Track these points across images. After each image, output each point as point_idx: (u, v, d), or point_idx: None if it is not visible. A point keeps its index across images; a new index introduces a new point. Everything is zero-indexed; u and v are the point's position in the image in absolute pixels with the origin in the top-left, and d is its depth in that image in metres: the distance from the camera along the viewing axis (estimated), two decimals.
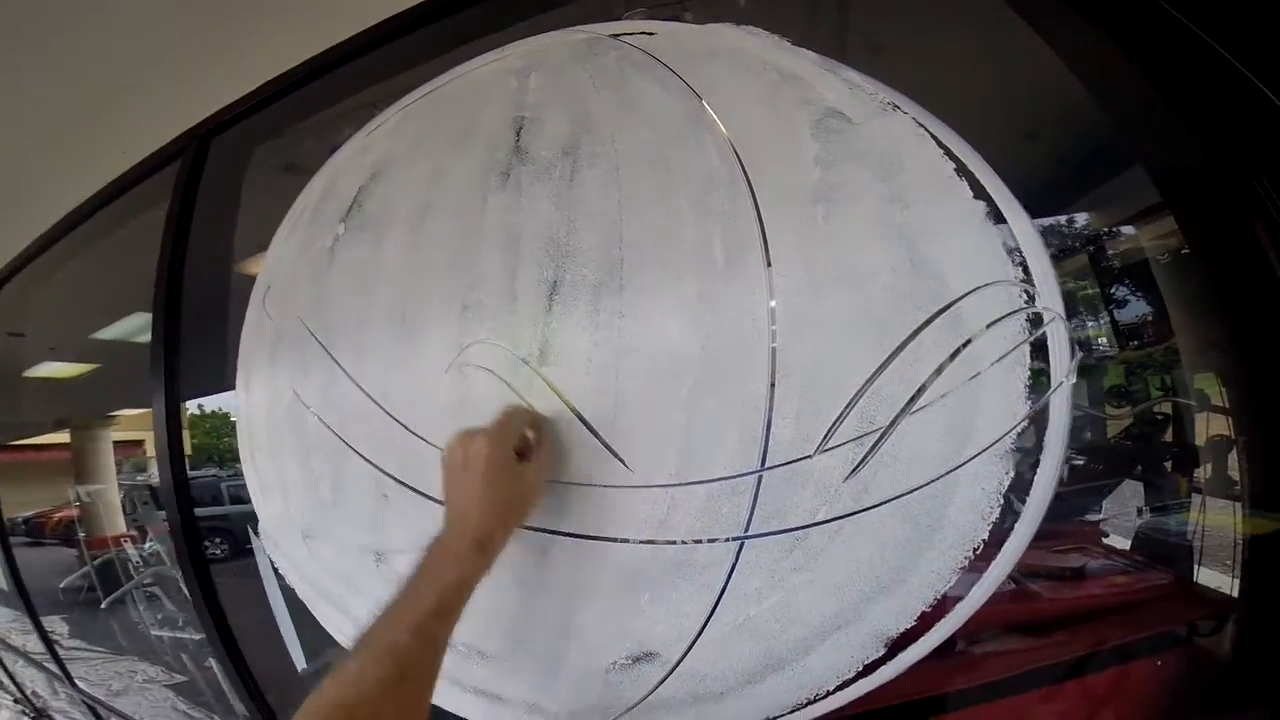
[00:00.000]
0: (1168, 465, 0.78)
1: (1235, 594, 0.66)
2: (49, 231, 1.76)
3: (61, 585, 2.56)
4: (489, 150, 0.80)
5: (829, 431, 0.60)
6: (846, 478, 0.60)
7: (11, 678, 3.24)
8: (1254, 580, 0.66)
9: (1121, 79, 0.67)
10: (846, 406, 0.60)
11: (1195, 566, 0.72)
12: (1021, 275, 0.58)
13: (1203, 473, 0.72)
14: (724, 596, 0.65)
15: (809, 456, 0.61)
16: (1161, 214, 0.66)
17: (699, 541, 0.65)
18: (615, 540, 0.68)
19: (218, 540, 1.30)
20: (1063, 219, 0.74)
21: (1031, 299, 0.57)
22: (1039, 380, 0.58)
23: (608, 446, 0.67)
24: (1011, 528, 0.59)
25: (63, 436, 2.22)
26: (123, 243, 1.35)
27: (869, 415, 0.60)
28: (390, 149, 0.91)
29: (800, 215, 0.64)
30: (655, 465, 0.66)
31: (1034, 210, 0.64)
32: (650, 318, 0.67)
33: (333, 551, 0.92)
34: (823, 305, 0.62)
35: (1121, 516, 0.79)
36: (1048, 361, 0.58)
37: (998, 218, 0.59)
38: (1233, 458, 0.75)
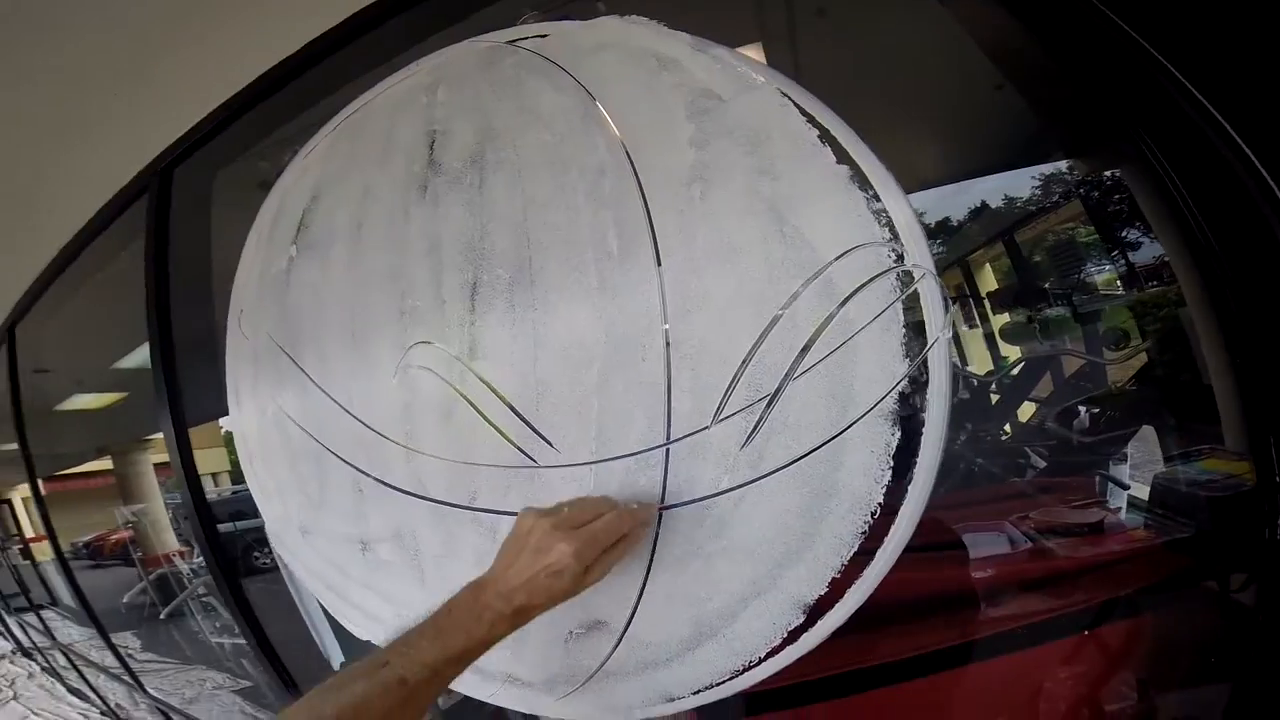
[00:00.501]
0: (1179, 409, 0.77)
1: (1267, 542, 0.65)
2: (43, 273, 1.92)
3: (124, 601, 2.80)
4: (407, 165, 0.88)
5: (721, 402, 0.67)
6: (743, 446, 0.67)
7: (95, 691, 3.55)
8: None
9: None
10: (734, 377, 0.66)
11: (1214, 517, 0.73)
12: (889, 235, 0.62)
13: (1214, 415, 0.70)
14: (653, 565, 0.73)
15: (706, 428, 0.68)
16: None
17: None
18: None
19: (266, 550, 1.42)
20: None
21: (900, 258, 0.61)
22: (913, 338, 0.61)
23: (535, 430, 0.75)
24: (905, 494, 0.64)
25: (106, 463, 2.43)
26: (118, 275, 1.47)
27: (755, 384, 0.66)
28: (325, 170, 1.00)
29: (680, 197, 0.69)
30: (578, 445, 0.74)
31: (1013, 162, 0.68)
32: (558, 309, 0.74)
33: (326, 544, 1.03)
34: (705, 282, 0.68)
35: (1145, 465, 0.80)
36: (920, 319, 0.61)
37: (862, 181, 0.63)
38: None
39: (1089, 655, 0.81)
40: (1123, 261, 0.74)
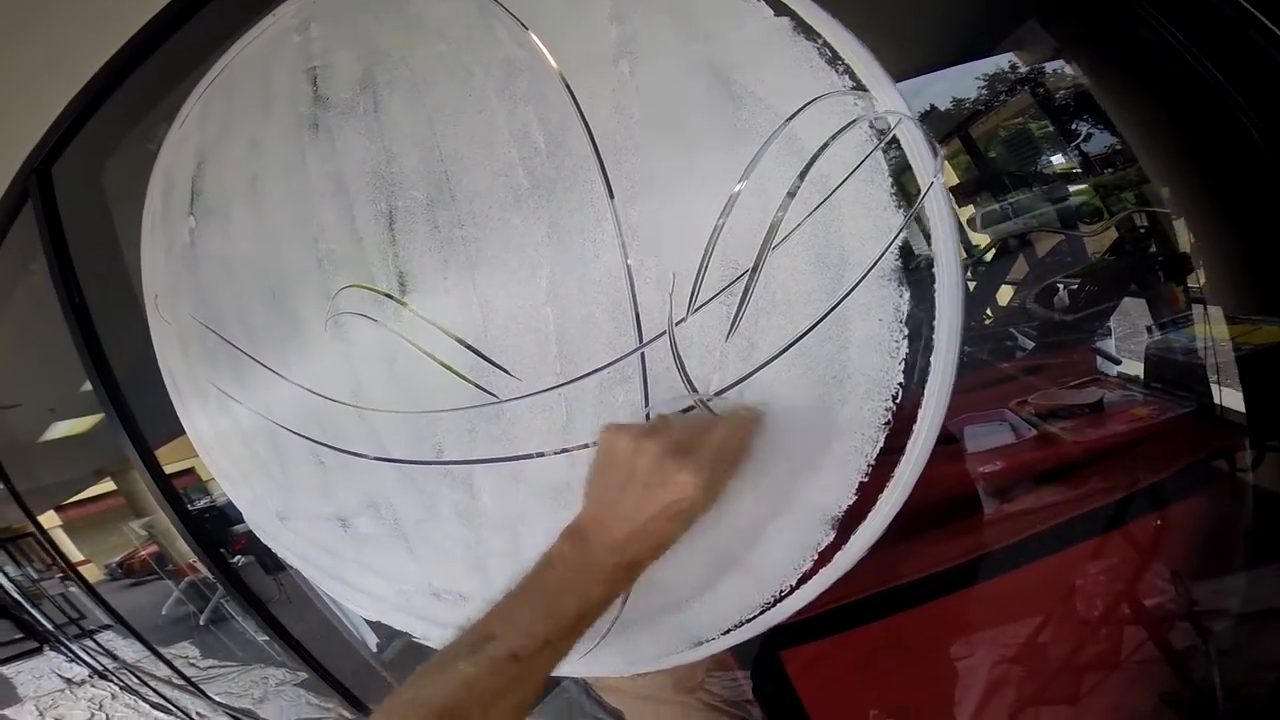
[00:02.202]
0: (1159, 277, 0.75)
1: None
2: None
3: (163, 613, 2.84)
4: (292, 107, 0.76)
5: (694, 287, 0.56)
6: (728, 335, 0.56)
7: (174, 704, 3.68)
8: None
9: None
10: (704, 256, 0.55)
11: (1216, 388, 0.69)
12: (851, 83, 0.51)
13: (1196, 279, 0.70)
14: None
15: (683, 320, 0.57)
16: None
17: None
18: (530, 457, 0.67)
19: None
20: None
21: (871, 105, 0.51)
22: (908, 187, 0.51)
23: (488, 359, 0.64)
24: (929, 366, 0.54)
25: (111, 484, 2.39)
26: (40, 291, 1.36)
27: (730, 261, 0.55)
28: (204, 134, 0.88)
29: (608, 75, 0.58)
30: (540, 369, 0.63)
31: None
32: (488, 219, 0.62)
33: (308, 526, 0.96)
34: (652, 160, 0.57)
35: (1130, 337, 0.77)
36: (908, 166, 0.51)
37: (808, 31, 0.52)
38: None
39: (1140, 546, 0.75)
40: (1085, 142, 0.71)
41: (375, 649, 1.33)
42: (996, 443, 0.76)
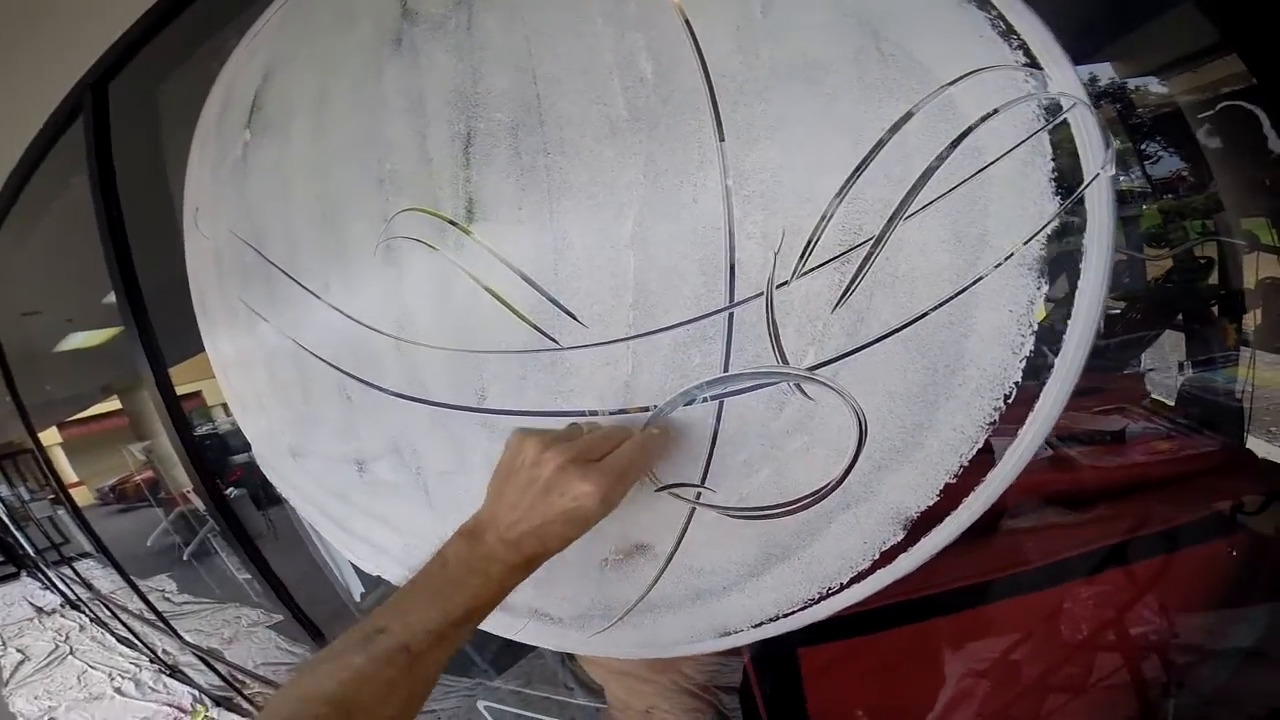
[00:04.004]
0: (1213, 312, 0.69)
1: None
2: None
3: (148, 544, 2.78)
4: (376, 22, 0.70)
5: (806, 249, 0.49)
6: (835, 306, 0.50)
7: (141, 640, 3.63)
8: None
9: None
10: (823, 216, 0.48)
11: (1244, 432, 0.66)
12: (1024, 60, 0.45)
13: (1252, 320, 0.66)
14: (709, 473, 0.57)
15: (786, 283, 0.50)
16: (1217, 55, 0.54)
17: (688, 403, 0.57)
18: (582, 414, 0.61)
19: None
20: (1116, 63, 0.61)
21: (1044, 84, 0.44)
22: (1068, 176, 0.45)
23: (555, 302, 0.58)
24: (1051, 367, 0.48)
25: (116, 403, 2.35)
26: (77, 202, 1.33)
27: (853, 225, 0.48)
28: (276, 48, 0.83)
29: (733, 11, 0.52)
30: (611, 317, 0.57)
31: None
32: (578, 149, 0.56)
33: (320, 466, 0.90)
34: (776, 105, 0.50)
35: (1164, 371, 0.72)
36: (1075, 153, 0.45)
37: (981, 1, 0.45)
38: None
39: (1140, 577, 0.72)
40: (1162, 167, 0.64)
41: (359, 598, 1.28)
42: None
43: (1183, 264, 0.67)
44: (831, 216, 0.48)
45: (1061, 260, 0.47)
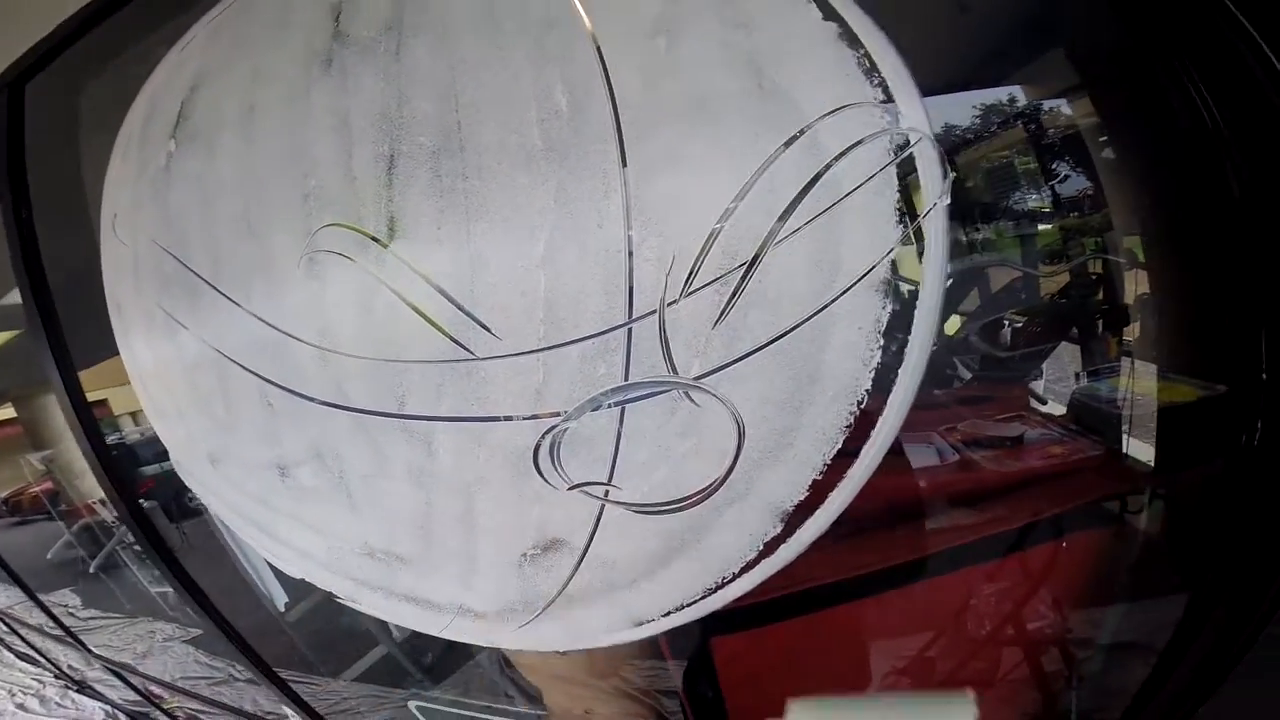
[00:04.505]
0: (1099, 325, 0.77)
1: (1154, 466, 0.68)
2: None
3: (48, 557, 2.61)
4: (307, 40, 0.73)
5: (692, 270, 0.56)
6: (716, 323, 0.56)
7: (44, 655, 3.38)
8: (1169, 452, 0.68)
9: None
10: (707, 240, 0.55)
11: (1125, 437, 0.74)
12: (882, 96, 0.52)
13: (1132, 332, 0.74)
14: (615, 472, 0.63)
15: (675, 301, 0.57)
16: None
17: (594, 409, 0.62)
18: (498, 419, 0.65)
19: None
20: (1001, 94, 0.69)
21: (895, 119, 0.52)
22: (911, 205, 0.53)
23: (470, 315, 0.63)
24: (895, 376, 0.56)
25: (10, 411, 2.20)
26: None
27: (731, 250, 0.55)
28: (206, 60, 0.84)
29: (642, 49, 0.58)
30: (523, 330, 0.62)
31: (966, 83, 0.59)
32: (495, 174, 0.61)
33: (241, 473, 0.91)
34: (672, 138, 0.57)
35: (1058, 381, 0.80)
36: (919, 184, 0.53)
37: (851, 40, 0.53)
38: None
39: (1034, 572, 0.80)
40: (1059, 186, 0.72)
41: (283, 608, 1.26)
42: (922, 463, 0.78)
43: (1077, 280, 0.74)
44: (714, 242, 0.55)
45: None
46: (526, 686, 1.02)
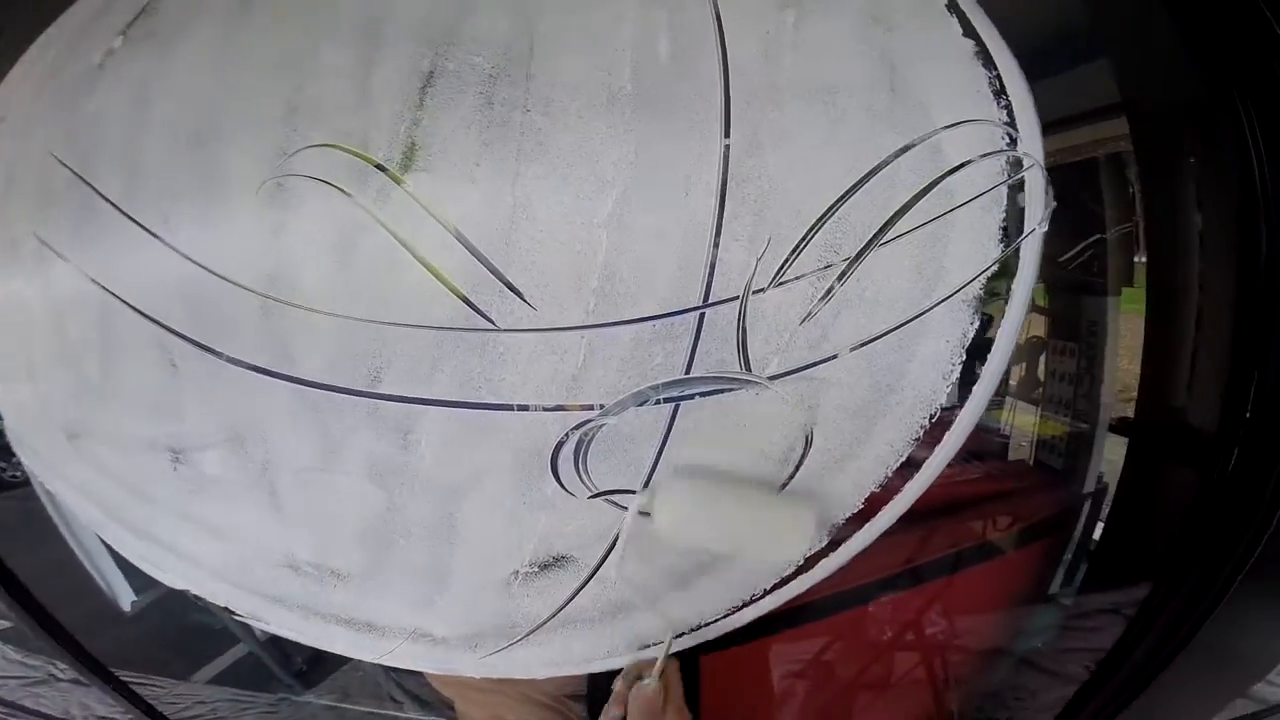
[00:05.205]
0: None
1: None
2: None
3: None
4: None
5: (788, 259, 0.45)
6: (804, 320, 0.46)
7: None
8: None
9: None
10: (811, 229, 0.45)
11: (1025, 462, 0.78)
12: (1006, 118, 0.47)
13: (1017, 372, 0.77)
14: (652, 479, 0.50)
15: (762, 290, 0.45)
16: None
17: (640, 403, 0.48)
18: (511, 408, 0.50)
19: (14, 460, 0.92)
20: None
21: (1014, 142, 0.46)
22: (1011, 225, 0.48)
23: (499, 275, 0.46)
24: (970, 390, 0.49)
25: None
26: None
27: (834, 244, 0.44)
28: None
29: (767, 17, 0.47)
30: (566, 300, 0.46)
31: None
32: (567, 111, 0.46)
33: (111, 453, 0.64)
34: (786, 115, 0.45)
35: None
36: (1021, 207, 0.48)
37: (986, 60, 0.47)
38: (1042, 360, 0.80)
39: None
40: None
41: (129, 607, 0.96)
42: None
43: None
44: (817, 232, 0.45)
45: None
46: (417, 691, 0.87)
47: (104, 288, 0.55)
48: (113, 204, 0.54)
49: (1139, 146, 0.65)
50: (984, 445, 0.79)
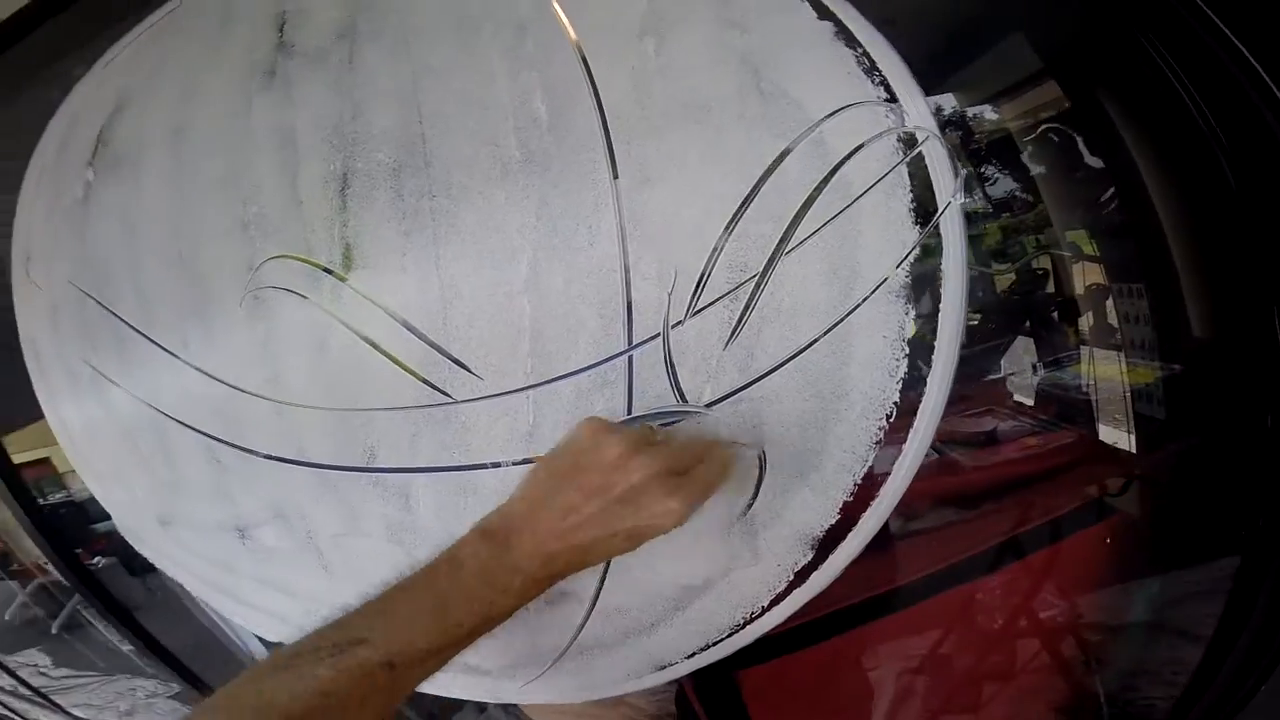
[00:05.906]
0: (1053, 317, 0.72)
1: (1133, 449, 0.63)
2: None
3: (6, 618, 2.31)
4: (247, 53, 0.59)
5: (697, 287, 0.46)
6: (727, 343, 0.46)
7: (19, 715, 3.00)
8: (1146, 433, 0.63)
9: None
10: (712, 252, 0.45)
11: (1095, 422, 0.68)
12: (885, 95, 0.44)
13: (1085, 322, 0.68)
14: None
15: (680, 322, 0.46)
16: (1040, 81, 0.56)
17: None
18: (485, 467, 0.54)
19: None
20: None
21: (901, 119, 0.44)
22: (925, 204, 0.45)
23: (445, 353, 0.50)
24: (924, 385, 0.47)
25: None
26: None
27: (739, 263, 0.45)
28: (130, 78, 0.68)
29: (630, 51, 0.47)
30: (507, 367, 0.50)
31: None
32: (467, 190, 0.49)
33: (195, 536, 0.75)
34: (666, 143, 0.46)
35: (1022, 374, 0.76)
36: (930, 183, 0.45)
37: (849, 39, 0.45)
38: (1110, 305, 0.71)
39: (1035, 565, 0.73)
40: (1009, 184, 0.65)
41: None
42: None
43: (1023, 276, 0.72)
44: (720, 254, 0.45)
45: (924, 279, 0.47)
46: None
47: (151, 406, 0.64)
48: (135, 329, 0.63)
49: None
50: (1069, 409, 0.71)
